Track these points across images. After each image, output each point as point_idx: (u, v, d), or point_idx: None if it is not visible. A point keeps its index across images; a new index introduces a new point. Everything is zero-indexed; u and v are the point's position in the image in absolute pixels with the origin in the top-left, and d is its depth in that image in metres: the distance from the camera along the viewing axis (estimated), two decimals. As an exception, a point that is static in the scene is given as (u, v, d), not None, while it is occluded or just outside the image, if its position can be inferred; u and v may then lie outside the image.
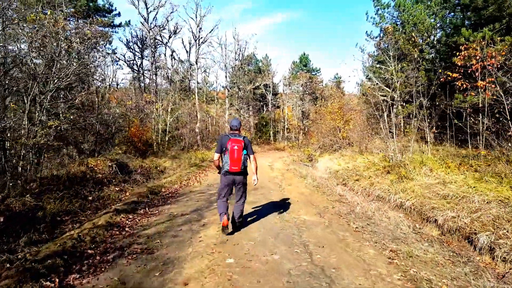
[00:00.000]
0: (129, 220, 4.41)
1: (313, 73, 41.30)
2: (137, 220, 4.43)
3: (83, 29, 7.73)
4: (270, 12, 72.03)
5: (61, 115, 6.78)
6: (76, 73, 6.96)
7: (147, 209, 5.06)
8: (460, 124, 7.94)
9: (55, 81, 6.00)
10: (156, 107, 11.77)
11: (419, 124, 8.27)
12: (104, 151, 8.90)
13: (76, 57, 7.01)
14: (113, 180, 6.36)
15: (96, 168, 6.45)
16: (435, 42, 12.61)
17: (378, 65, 17.52)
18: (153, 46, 18.40)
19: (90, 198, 5.40)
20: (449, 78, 7.10)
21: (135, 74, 23.18)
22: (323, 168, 11.72)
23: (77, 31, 7.73)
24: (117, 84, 27.14)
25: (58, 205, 4.48)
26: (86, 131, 8.08)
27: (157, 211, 4.94)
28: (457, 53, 7.23)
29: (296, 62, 41.33)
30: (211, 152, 15.14)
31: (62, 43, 6.38)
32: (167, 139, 13.34)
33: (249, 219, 4.71)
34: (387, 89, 17.71)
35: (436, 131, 7.65)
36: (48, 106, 6.12)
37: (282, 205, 5.58)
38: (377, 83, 17.44)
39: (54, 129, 5.87)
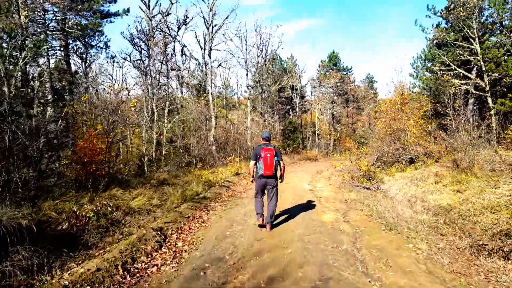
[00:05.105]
0: None
1: (344, 72, 36.44)
2: None
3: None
4: (294, 19, 67.77)
5: None
6: None
7: None
8: None
9: None
10: (131, 105, 7.98)
11: None
12: (27, 185, 5.01)
13: None
14: None
15: None
16: None
17: (452, 44, 12.66)
18: (156, 38, 14.92)
19: None
20: None
21: (143, 76, 19.93)
22: (403, 198, 7.15)
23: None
24: (128, 90, 24.19)
25: None
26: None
27: None
28: None
29: (325, 61, 36.66)
30: (227, 169, 11.06)
31: None
32: (163, 153, 9.47)
33: None
34: (469, 75, 12.73)
35: None
36: None
37: None
38: (453, 68, 12.55)
39: None
